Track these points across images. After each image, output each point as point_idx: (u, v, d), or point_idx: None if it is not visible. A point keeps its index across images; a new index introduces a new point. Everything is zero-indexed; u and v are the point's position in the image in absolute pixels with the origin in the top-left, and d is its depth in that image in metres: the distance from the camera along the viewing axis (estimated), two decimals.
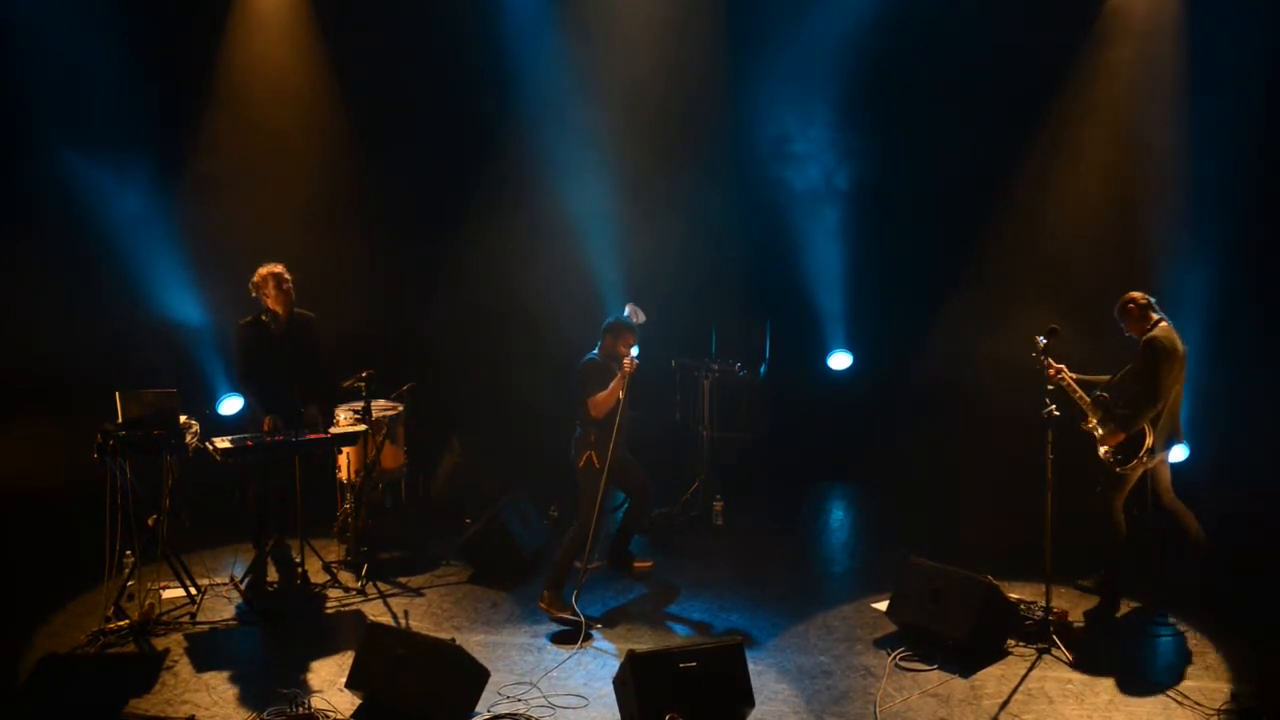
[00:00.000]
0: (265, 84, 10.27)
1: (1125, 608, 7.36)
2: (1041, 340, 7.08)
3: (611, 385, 7.26)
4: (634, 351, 7.42)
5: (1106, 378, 7.34)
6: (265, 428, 7.66)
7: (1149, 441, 7.09)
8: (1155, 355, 7.03)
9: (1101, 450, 7.20)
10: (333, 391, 8.23)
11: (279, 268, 7.80)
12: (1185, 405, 7.36)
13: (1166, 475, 7.37)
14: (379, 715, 6.04)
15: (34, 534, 8.56)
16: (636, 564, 8.12)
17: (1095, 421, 7.21)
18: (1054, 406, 6.85)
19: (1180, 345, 7.13)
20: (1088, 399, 7.23)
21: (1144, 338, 7.12)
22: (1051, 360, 7.10)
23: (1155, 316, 7.19)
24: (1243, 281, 9.09)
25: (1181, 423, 7.32)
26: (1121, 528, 7.30)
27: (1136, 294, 7.28)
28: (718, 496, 9.16)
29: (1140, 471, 7.20)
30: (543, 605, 7.27)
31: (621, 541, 8.13)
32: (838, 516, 10.02)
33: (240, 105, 10.22)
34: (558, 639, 7.01)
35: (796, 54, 10.09)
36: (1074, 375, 7.23)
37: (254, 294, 7.82)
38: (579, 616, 7.12)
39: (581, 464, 7.39)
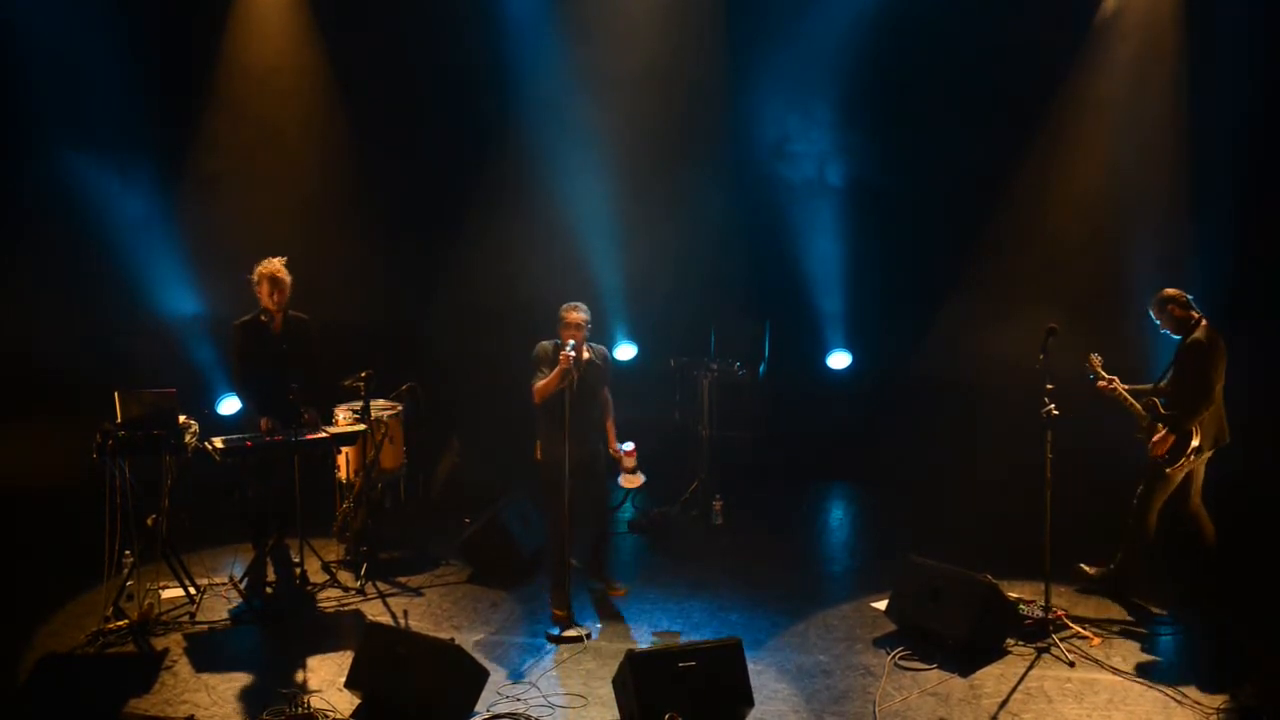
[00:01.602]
0: (265, 84, 10.29)
1: (1126, 607, 7.35)
2: (1096, 358, 7.15)
3: (551, 374, 6.92)
4: (576, 345, 6.96)
5: (1149, 387, 7.33)
6: (262, 429, 7.65)
7: (1195, 441, 7.09)
8: (1205, 355, 7.04)
9: (1153, 452, 7.18)
10: (331, 391, 8.21)
11: (274, 268, 7.64)
12: None
13: (1200, 478, 7.36)
14: (378, 715, 6.03)
15: (34, 534, 8.56)
16: (611, 590, 7.67)
17: (1145, 426, 7.20)
18: (1053, 405, 6.86)
19: (1221, 342, 7.13)
20: (1139, 406, 7.23)
21: (1189, 339, 7.10)
22: (1104, 373, 7.13)
23: (1195, 315, 7.18)
24: (1242, 280, 9.09)
25: (1228, 423, 7.30)
26: (1152, 528, 7.30)
27: (1175, 291, 7.22)
28: (717, 496, 9.16)
29: (1185, 471, 7.20)
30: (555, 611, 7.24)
31: (596, 552, 7.75)
32: (837, 516, 10.02)
33: (240, 105, 10.24)
34: (557, 638, 7.01)
35: (797, 54, 10.11)
36: (1126, 386, 7.22)
37: (254, 290, 7.77)
38: (581, 630, 7.08)
39: (537, 455, 7.24)
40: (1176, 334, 7.22)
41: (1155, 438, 7.14)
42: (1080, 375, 7.33)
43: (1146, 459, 7.25)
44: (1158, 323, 7.30)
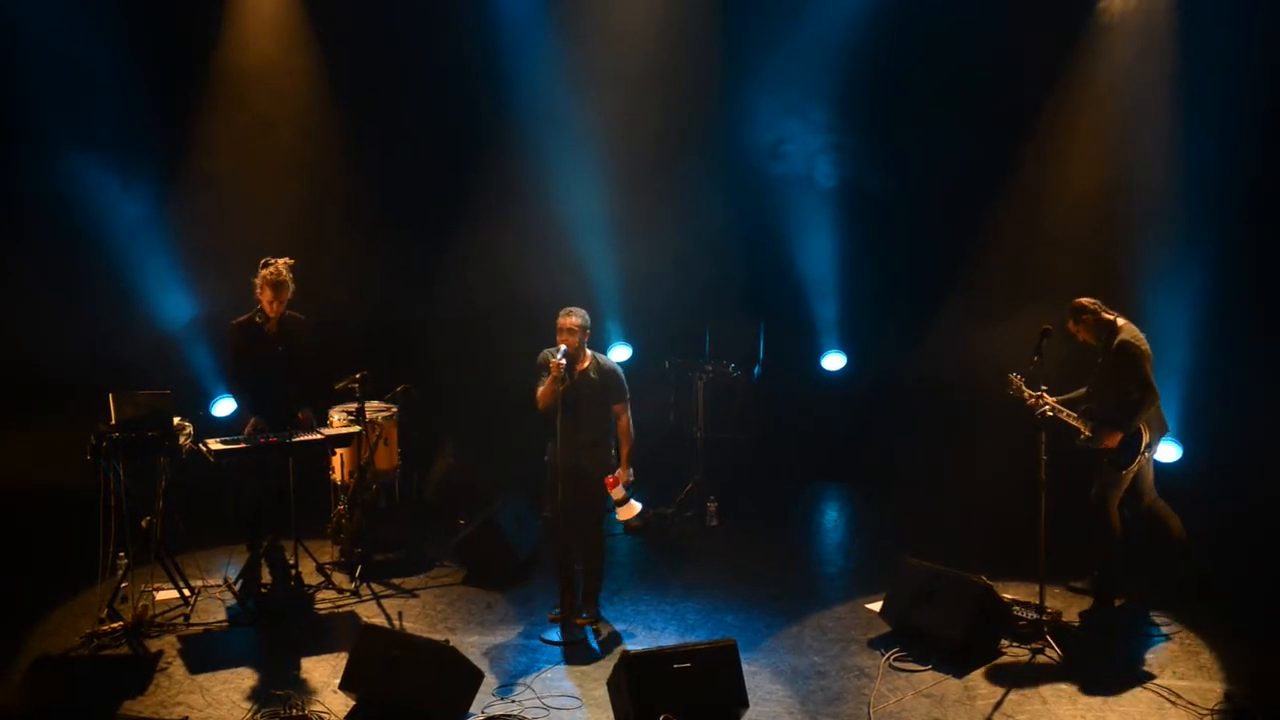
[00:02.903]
0: (263, 85, 10.25)
1: (1119, 608, 7.36)
2: (1017, 377, 7.06)
3: (546, 382, 6.94)
4: (566, 350, 6.89)
5: (1083, 391, 7.33)
6: (248, 430, 7.62)
7: (1146, 438, 7.11)
8: (1136, 356, 7.05)
9: (1104, 446, 7.17)
10: (327, 392, 8.19)
11: (278, 273, 7.61)
12: (1178, 404, 7.38)
13: (1150, 475, 7.39)
14: (373, 717, 6.03)
15: (29, 535, 8.52)
16: (578, 619, 7.24)
17: (1088, 434, 7.19)
18: (1047, 407, 6.86)
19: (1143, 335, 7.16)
20: (1074, 415, 7.21)
21: (1117, 341, 7.10)
22: (1029, 391, 7.05)
23: (1109, 317, 7.19)
24: (1239, 281, 9.09)
25: (1166, 417, 7.33)
26: (1118, 528, 7.31)
27: (1084, 300, 7.25)
28: (712, 497, 9.16)
29: (1137, 469, 7.21)
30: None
31: (585, 565, 7.34)
32: (832, 517, 10.02)
33: (238, 106, 10.20)
34: (552, 639, 7.01)
35: (793, 55, 10.09)
36: (1055, 398, 7.16)
37: (256, 291, 7.75)
38: (568, 638, 7.08)
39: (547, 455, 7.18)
40: (1096, 341, 7.22)
41: (1100, 440, 7.11)
42: (1077, 376, 7.33)
43: (1096, 463, 7.23)
44: (1074, 334, 7.28)
